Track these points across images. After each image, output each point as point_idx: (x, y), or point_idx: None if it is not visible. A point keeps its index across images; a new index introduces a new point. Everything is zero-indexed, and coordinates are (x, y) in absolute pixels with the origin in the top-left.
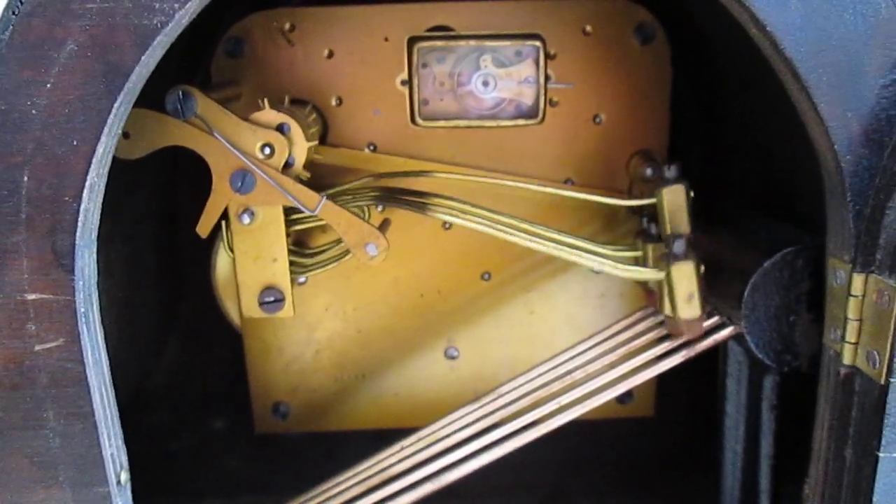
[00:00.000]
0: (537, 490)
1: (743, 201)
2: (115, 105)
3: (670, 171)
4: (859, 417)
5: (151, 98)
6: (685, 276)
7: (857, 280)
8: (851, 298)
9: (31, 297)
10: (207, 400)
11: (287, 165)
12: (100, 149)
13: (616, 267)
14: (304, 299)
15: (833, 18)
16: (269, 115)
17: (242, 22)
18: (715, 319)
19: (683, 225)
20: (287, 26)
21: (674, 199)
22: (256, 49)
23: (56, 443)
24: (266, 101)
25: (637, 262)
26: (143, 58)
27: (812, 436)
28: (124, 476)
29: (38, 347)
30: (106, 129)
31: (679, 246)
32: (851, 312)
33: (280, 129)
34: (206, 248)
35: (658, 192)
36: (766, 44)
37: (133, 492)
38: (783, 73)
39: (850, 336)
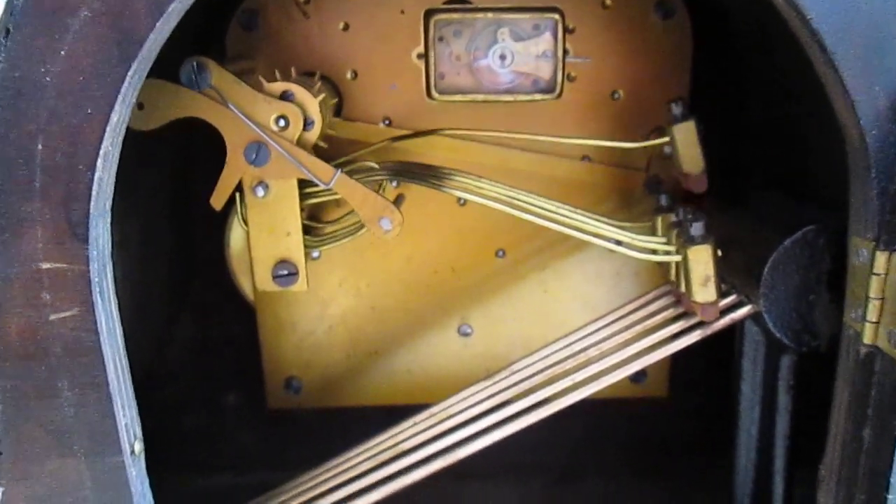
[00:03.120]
0: (549, 469)
1: (763, 179)
2: (130, 73)
3: (677, 108)
4: (878, 398)
5: (167, 71)
6: (702, 260)
7: (881, 258)
8: (874, 277)
9: (46, 266)
10: (220, 375)
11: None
12: (114, 117)
13: (631, 247)
14: (318, 275)
15: None
16: (303, 96)
17: None
18: (732, 298)
19: (697, 162)
20: None
21: (685, 138)
22: (271, 22)
23: (70, 412)
24: (323, 95)
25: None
26: (157, 25)
27: (828, 417)
28: (138, 446)
29: (52, 317)
30: (120, 98)
31: (697, 229)
32: (873, 291)
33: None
34: (220, 223)
35: (669, 130)
36: (792, 15)
37: (146, 467)
38: (809, 47)
39: (872, 315)
